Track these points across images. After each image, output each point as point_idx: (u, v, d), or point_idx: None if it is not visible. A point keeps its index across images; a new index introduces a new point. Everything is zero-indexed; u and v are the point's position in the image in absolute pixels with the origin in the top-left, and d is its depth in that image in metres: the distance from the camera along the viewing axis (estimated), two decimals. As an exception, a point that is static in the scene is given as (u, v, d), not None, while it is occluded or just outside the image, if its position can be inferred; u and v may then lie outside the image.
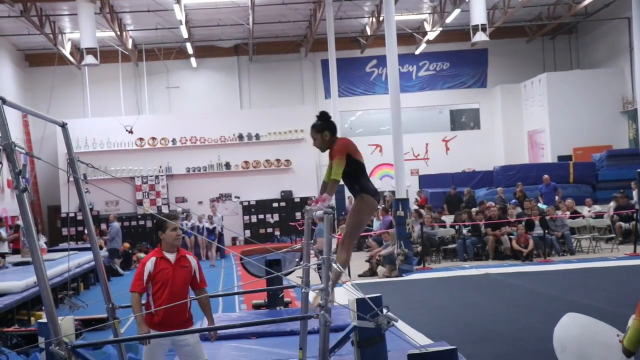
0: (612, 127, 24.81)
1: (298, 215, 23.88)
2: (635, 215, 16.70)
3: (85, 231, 13.95)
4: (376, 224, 18.42)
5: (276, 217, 25.35)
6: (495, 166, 24.78)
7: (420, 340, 7.63)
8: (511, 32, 27.22)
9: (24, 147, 4.48)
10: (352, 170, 5.50)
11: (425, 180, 25.36)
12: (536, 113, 26.10)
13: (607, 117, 24.80)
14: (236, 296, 12.46)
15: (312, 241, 5.55)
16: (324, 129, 5.78)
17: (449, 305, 11.12)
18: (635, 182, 18.65)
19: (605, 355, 5.10)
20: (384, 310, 4.56)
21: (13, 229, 19.50)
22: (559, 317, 5.80)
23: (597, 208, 18.62)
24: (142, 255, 18.66)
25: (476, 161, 27.01)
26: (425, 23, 26.01)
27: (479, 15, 19.71)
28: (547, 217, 16.54)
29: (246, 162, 25.84)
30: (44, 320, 4.73)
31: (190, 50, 25.60)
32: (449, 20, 23.50)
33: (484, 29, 19.74)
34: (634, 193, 18.52)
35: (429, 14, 25.11)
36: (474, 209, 18.11)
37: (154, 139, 25.61)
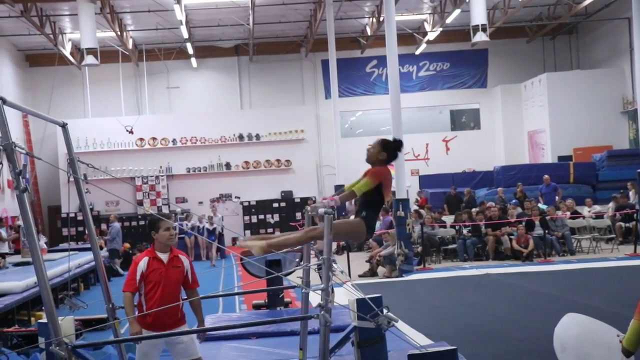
0: (613, 128, 24.82)
1: (298, 215, 23.88)
2: (635, 215, 16.70)
3: (86, 231, 13.96)
4: (376, 224, 18.40)
5: (276, 217, 25.35)
6: (496, 166, 24.78)
7: (421, 340, 7.63)
8: (511, 32, 27.23)
9: (24, 147, 4.49)
10: (371, 199, 5.34)
11: (426, 181, 25.36)
12: (536, 113, 26.10)
13: (607, 117, 24.80)
14: (236, 296, 12.46)
15: (312, 242, 5.53)
16: (387, 150, 5.61)
17: (449, 305, 11.12)
18: (632, 182, 18.69)
19: (606, 356, 5.10)
20: (384, 311, 4.56)
21: (14, 229, 19.51)
22: (559, 317, 5.80)
23: (597, 208, 18.62)
24: (142, 255, 18.63)
25: (476, 161, 27.01)
26: (425, 23, 26.02)
27: (479, 15, 19.70)
28: (548, 218, 16.54)
29: (246, 162, 25.84)
30: (44, 320, 4.73)
31: (190, 51, 25.61)
32: (449, 20, 23.50)
33: (484, 29, 19.73)
34: (631, 193, 18.54)
35: (429, 14, 25.11)
36: (474, 209, 18.12)
37: (154, 139, 25.61)
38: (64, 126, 5.38)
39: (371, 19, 25.18)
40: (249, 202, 25.50)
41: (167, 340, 5.44)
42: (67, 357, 4.22)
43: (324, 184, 27.12)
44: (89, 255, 14.79)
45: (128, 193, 24.46)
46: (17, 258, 15.17)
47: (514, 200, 19.34)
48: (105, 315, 5.42)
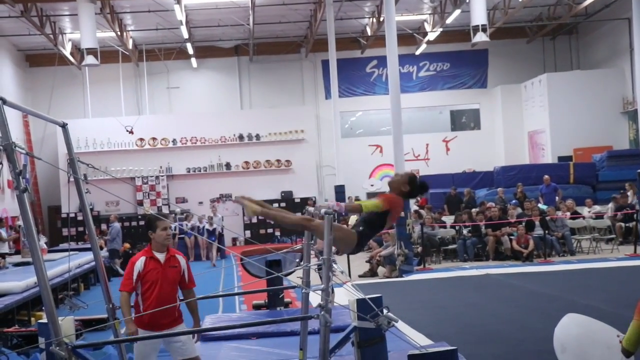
0: (613, 128, 24.82)
1: (298, 215, 23.84)
2: (635, 215, 16.70)
3: (86, 231, 13.96)
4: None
5: (276, 217, 25.30)
6: (496, 167, 24.78)
7: (421, 340, 7.63)
8: (511, 32, 27.23)
9: (24, 148, 4.49)
10: (373, 219, 5.24)
11: (426, 181, 25.30)
12: (536, 113, 26.11)
13: (607, 117, 24.80)
14: (236, 297, 12.45)
15: (312, 242, 5.52)
16: (412, 186, 5.43)
17: (449, 305, 11.12)
18: (631, 183, 18.71)
19: (606, 356, 5.10)
20: (385, 311, 4.56)
21: (14, 229, 19.51)
22: (559, 317, 5.80)
23: (597, 208, 18.62)
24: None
25: (476, 162, 27.01)
26: (425, 23, 26.02)
27: (479, 15, 19.70)
28: (548, 218, 16.54)
29: (246, 162, 25.84)
30: (44, 320, 4.73)
31: (190, 51, 25.61)
32: (449, 20, 23.51)
33: (484, 30, 19.73)
34: (629, 194, 18.55)
35: (430, 14, 25.12)
36: (474, 210, 18.12)
37: (154, 139, 25.62)
38: (64, 126, 5.38)
39: (371, 19, 25.18)
40: (249, 202, 25.44)
41: (165, 339, 5.45)
42: (67, 357, 4.22)
43: (324, 184, 27.12)
44: (89, 256, 14.79)
45: (128, 193, 24.47)
46: (17, 258, 15.17)
47: (514, 201, 19.33)
48: (105, 316, 5.42)
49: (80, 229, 22.56)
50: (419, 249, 15.96)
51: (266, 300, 10.54)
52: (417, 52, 27.36)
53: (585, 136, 24.50)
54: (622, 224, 17.61)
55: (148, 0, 21.05)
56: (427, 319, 9.81)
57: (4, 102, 4.04)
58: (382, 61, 25.45)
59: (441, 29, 24.80)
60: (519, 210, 17.61)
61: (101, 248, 17.52)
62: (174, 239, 21.40)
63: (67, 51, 24.35)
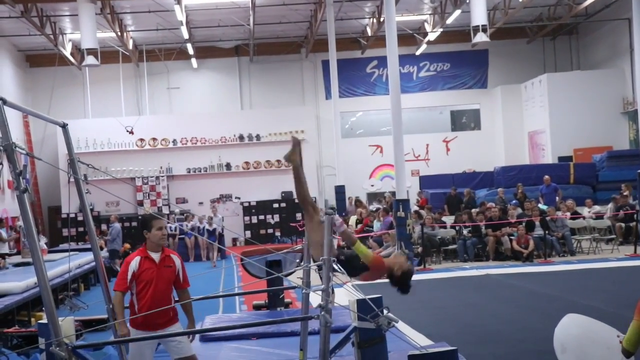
0: (613, 128, 24.81)
1: (299, 216, 23.84)
2: (635, 216, 16.70)
3: (87, 232, 13.96)
4: (377, 225, 18.42)
5: (277, 217, 25.34)
6: (496, 167, 24.78)
7: (421, 341, 7.63)
8: (512, 32, 27.23)
9: (24, 148, 4.49)
10: (353, 260, 5.14)
11: (426, 181, 25.36)
12: (537, 114, 26.11)
13: (607, 118, 24.80)
14: (237, 297, 12.45)
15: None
16: (403, 275, 5.21)
17: (449, 306, 11.12)
18: (627, 184, 18.73)
19: (606, 356, 5.10)
20: (385, 311, 4.56)
21: (14, 229, 19.51)
22: (559, 317, 5.80)
23: (597, 209, 18.63)
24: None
25: (477, 162, 27.01)
26: (425, 24, 26.02)
27: (479, 16, 19.70)
28: (548, 218, 16.54)
29: (247, 162, 25.84)
30: (45, 321, 4.73)
31: (190, 51, 25.61)
32: (449, 21, 23.51)
33: (484, 30, 19.73)
34: (625, 194, 18.55)
35: (430, 14, 25.12)
36: (474, 210, 18.12)
37: (154, 139, 25.62)
38: (64, 126, 5.38)
39: (371, 19, 25.19)
40: (249, 202, 25.50)
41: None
42: (67, 358, 4.22)
43: (324, 185, 27.12)
44: (89, 256, 14.79)
45: (128, 193, 24.46)
46: (17, 258, 15.17)
47: (514, 201, 19.34)
48: (105, 316, 5.43)
49: (81, 229, 22.55)
50: (419, 249, 15.95)
51: (266, 301, 10.53)
52: (418, 53, 27.37)
53: (586, 136, 24.50)
54: (622, 224, 17.61)
55: (148, 0, 21.04)
56: (428, 319, 9.81)
57: (4, 102, 4.04)
58: (382, 61, 25.45)
59: (441, 29, 24.80)
60: (519, 210, 17.61)
61: (101, 248, 17.52)
62: (174, 239, 21.41)
63: (67, 51, 24.35)
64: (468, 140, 28.19)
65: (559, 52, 28.48)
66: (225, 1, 21.55)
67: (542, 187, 20.56)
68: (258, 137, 25.88)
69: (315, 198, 24.76)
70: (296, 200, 25.54)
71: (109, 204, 24.61)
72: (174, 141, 25.69)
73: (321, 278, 4.62)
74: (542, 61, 28.18)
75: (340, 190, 23.40)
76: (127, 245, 19.87)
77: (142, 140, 25.47)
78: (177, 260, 5.63)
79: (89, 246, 13.48)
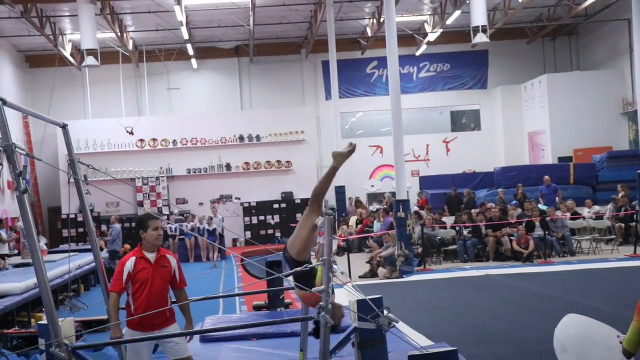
0: (612, 129, 24.81)
1: (299, 216, 23.82)
2: (635, 216, 16.70)
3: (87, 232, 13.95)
4: (377, 225, 18.42)
5: (277, 218, 25.34)
6: (496, 167, 24.77)
7: (421, 341, 7.63)
8: (511, 33, 27.23)
9: (24, 148, 4.49)
10: (304, 275, 5.13)
11: (426, 182, 25.36)
12: (536, 114, 26.11)
13: (607, 118, 24.80)
14: (237, 297, 12.45)
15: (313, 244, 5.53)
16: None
17: (449, 306, 11.12)
18: (622, 185, 18.74)
19: (606, 356, 5.10)
20: (385, 311, 4.56)
21: (14, 230, 19.50)
22: (559, 318, 5.80)
23: (597, 209, 18.63)
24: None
25: (477, 162, 27.01)
26: (425, 24, 26.03)
27: (479, 16, 19.69)
28: (548, 218, 16.54)
29: (247, 163, 25.84)
30: (44, 321, 4.73)
31: (190, 52, 25.61)
32: (449, 21, 23.51)
33: (484, 30, 19.72)
34: (621, 195, 18.55)
35: (430, 15, 25.13)
36: (474, 210, 18.11)
37: (154, 140, 25.62)
38: (64, 127, 5.39)
39: (371, 20, 25.19)
40: (249, 203, 25.50)
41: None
42: (67, 359, 4.23)
43: (324, 185, 27.06)
44: (89, 257, 14.80)
45: (128, 194, 24.47)
46: (17, 259, 15.17)
47: (514, 201, 19.33)
48: (105, 317, 5.43)
49: (81, 230, 22.55)
50: (419, 250, 15.95)
51: (266, 301, 10.54)
52: (418, 53, 27.37)
53: (585, 137, 24.50)
54: (622, 225, 17.61)
55: (148, 1, 21.04)
56: (428, 320, 9.81)
57: (4, 103, 4.04)
58: (382, 62, 25.45)
59: (441, 30, 24.80)
60: (519, 210, 17.61)
61: (101, 249, 17.52)
62: (173, 240, 21.41)
63: (67, 52, 24.35)
64: (468, 141, 28.20)
65: (559, 52, 28.48)
66: (225, 1, 21.55)
67: (542, 187, 20.55)
68: (258, 137, 25.88)
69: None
70: (297, 201, 25.62)
71: (109, 204, 24.62)
72: (174, 142, 25.69)
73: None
74: (542, 62, 28.19)
75: (340, 191, 23.40)
76: (127, 246, 19.84)
77: (142, 140, 25.47)
78: (172, 260, 5.63)
79: (89, 247, 13.49)
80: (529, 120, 26.91)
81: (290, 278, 9.07)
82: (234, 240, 25.04)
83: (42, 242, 17.86)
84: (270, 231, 25.26)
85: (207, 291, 7.70)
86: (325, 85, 27.36)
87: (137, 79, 27.12)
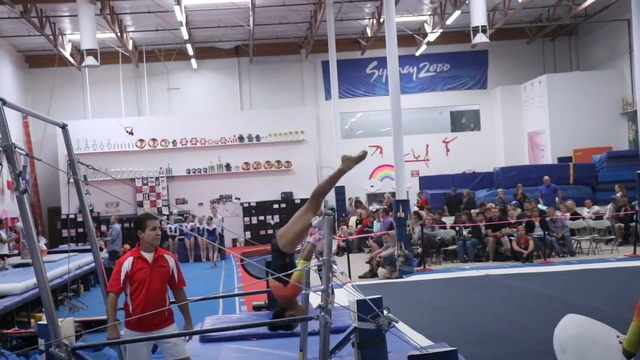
0: (612, 129, 24.81)
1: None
2: (634, 216, 16.70)
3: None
4: (377, 225, 18.42)
5: (277, 218, 25.32)
6: (496, 167, 24.77)
7: (421, 341, 7.63)
8: (511, 33, 27.24)
9: (24, 149, 4.49)
10: (284, 262, 5.23)
11: (426, 182, 25.36)
12: (536, 114, 26.11)
13: (607, 118, 24.80)
14: (237, 298, 12.45)
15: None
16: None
17: (449, 306, 11.12)
18: (620, 185, 18.74)
19: (605, 356, 5.10)
20: (385, 312, 4.56)
21: (13, 230, 19.49)
22: (559, 318, 5.79)
23: (597, 209, 18.63)
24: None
25: (476, 162, 27.01)
26: (425, 24, 26.03)
27: (479, 16, 19.69)
28: (547, 219, 16.54)
29: (246, 163, 25.84)
30: (44, 322, 4.73)
31: (190, 52, 25.61)
32: (449, 21, 23.51)
33: (484, 31, 19.72)
34: (618, 195, 18.55)
35: (429, 15, 25.13)
36: (474, 210, 18.11)
37: (154, 140, 25.62)
38: (64, 127, 5.39)
39: (371, 20, 25.19)
40: (249, 203, 25.50)
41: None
42: (67, 359, 4.23)
43: (324, 185, 27.05)
44: (88, 257, 14.80)
45: (128, 194, 24.47)
46: (17, 259, 15.16)
47: (514, 202, 19.33)
48: (105, 317, 5.43)
49: (80, 230, 22.55)
50: (419, 250, 15.95)
51: (266, 302, 10.53)
52: (417, 53, 27.37)
53: (585, 137, 24.51)
54: (622, 225, 17.61)
55: (148, 1, 21.04)
56: (427, 320, 9.81)
57: (4, 103, 4.04)
58: (382, 62, 25.46)
59: (441, 30, 24.81)
60: (519, 211, 17.61)
61: (101, 249, 17.51)
62: (173, 240, 21.41)
63: (67, 52, 24.35)
64: (468, 141, 28.20)
65: (559, 52, 28.49)
66: (225, 2, 21.55)
67: (541, 187, 20.55)
68: (258, 137, 25.88)
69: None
70: (297, 201, 25.59)
71: (109, 204, 24.61)
72: (174, 142, 25.69)
73: (321, 279, 4.62)
74: (541, 62, 28.19)
75: (340, 191, 23.40)
76: (127, 246, 19.82)
77: (141, 140, 25.46)
78: (170, 260, 5.62)
79: (88, 247, 13.50)
80: (529, 121, 26.91)
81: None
82: (234, 241, 25.03)
83: (42, 243, 17.84)
84: (270, 231, 25.19)
85: (206, 291, 7.70)
86: (325, 86, 27.36)
87: (137, 79, 27.13)
